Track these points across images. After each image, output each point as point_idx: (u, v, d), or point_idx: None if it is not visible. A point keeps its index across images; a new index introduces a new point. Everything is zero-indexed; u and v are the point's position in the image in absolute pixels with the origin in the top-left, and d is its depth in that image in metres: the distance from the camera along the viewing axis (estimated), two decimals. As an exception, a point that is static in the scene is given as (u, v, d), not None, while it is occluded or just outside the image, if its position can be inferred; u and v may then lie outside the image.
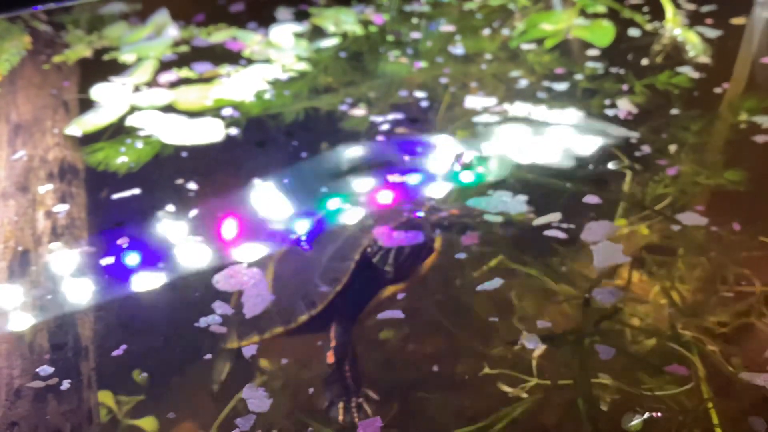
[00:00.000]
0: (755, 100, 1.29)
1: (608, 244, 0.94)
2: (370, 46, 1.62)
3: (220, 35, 1.68)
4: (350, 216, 1.04)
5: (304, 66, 1.52)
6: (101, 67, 1.54)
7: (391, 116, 1.31)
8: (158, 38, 1.69)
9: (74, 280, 0.94)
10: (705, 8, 1.71)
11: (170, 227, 1.04)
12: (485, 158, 1.16)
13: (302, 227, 1.03)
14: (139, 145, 1.24)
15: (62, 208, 1.08)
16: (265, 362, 0.82)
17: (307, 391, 0.78)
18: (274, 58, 1.57)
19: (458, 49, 1.57)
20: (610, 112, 1.28)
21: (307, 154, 1.22)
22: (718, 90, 1.35)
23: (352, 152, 1.18)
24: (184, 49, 1.62)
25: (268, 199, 1.10)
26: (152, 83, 1.46)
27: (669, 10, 1.68)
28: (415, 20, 1.76)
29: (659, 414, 0.71)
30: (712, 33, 1.58)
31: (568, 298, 0.87)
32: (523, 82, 1.41)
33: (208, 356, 0.82)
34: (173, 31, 1.71)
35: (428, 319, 0.86)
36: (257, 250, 0.98)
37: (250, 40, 1.65)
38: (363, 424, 0.73)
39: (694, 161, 1.12)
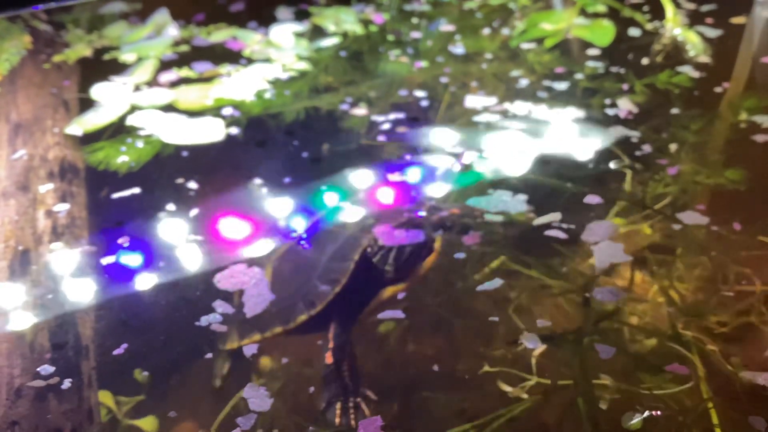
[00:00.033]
0: (755, 99, 1.29)
1: (609, 244, 0.94)
2: (370, 46, 1.62)
3: (220, 35, 1.68)
4: (350, 215, 1.04)
5: (304, 65, 1.52)
6: (101, 66, 1.54)
7: (392, 116, 1.31)
8: (158, 38, 1.69)
9: (75, 280, 0.94)
10: (705, 7, 1.71)
11: (171, 226, 1.04)
12: (485, 158, 1.16)
13: (302, 226, 1.03)
14: (140, 144, 1.24)
15: (63, 208, 1.08)
16: (266, 361, 0.82)
17: (308, 390, 0.78)
18: (275, 57, 1.57)
19: (458, 49, 1.57)
20: (610, 111, 1.28)
21: (307, 153, 1.22)
22: (718, 89, 1.35)
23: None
24: (184, 48, 1.62)
25: (269, 198, 1.10)
26: (152, 83, 1.46)
27: (669, 9, 1.68)
28: (415, 20, 1.76)
29: (659, 413, 0.71)
30: (712, 32, 1.58)
31: (568, 298, 0.87)
32: (524, 82, 1.41)
33: (209, 355, 0.82)
34: (173, 31, 1.71)
35: (428, 319, 0.86)
36: (258, 249, 0.99)
37: (250, 40, 1.65)
38: (363, 423, 0.73)
39: (695, 160, 1.12)
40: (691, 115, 1.26)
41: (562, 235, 0.97)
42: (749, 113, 1.24)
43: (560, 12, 1.75)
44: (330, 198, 1.09)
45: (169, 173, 1.17)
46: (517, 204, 1.04)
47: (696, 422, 0.71)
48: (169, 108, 1.36)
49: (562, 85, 1.38)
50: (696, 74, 1.40)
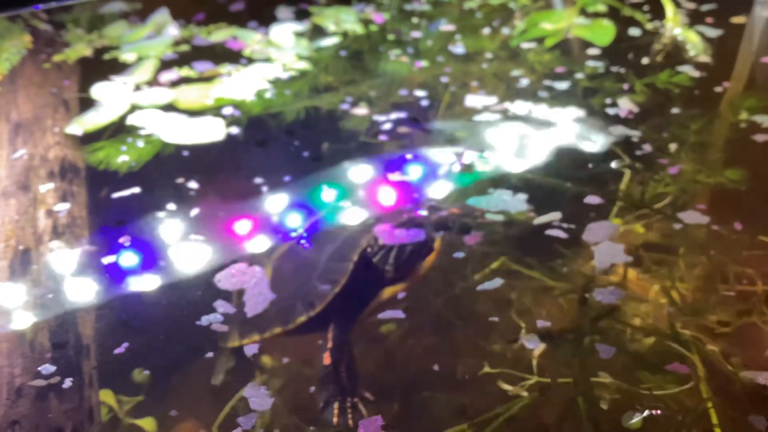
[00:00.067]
0: (755, 99, 1.29)
1: (609, 244, 0.94)
2: (370, 45, 1.62)
3: (220, 34, 1.68)
4: (350, 215, 1.04)
5: (304, 65, 1.52)
6: (102, 66, 1.54)
7: (392, 115, 1.31)
8: (158, 37, 1.69)
9: (75, 279, 0.94)
10: (705, 7, 1.71)
11: (171, 226, 1.04)
12: (486, 157, 1.17)
13: (302, 225, 1.03)
14: (140, 144, 1.24)
15: (63, 207, 1.08)
16: (267, 360, 0.82)
17: (309, 390, 0.78)
18: (275, 57, 1.57)
19: (459, 48, 1.57)
20: (611, 111, 1.28)
21: (308, 153, 1.22)
22: (718, 89, 1.35)
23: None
24: (184, 48, 1.62)
25: (269, 197, 1.10)
26: (153, 82, 1.46)
27: (669, 9, 1.68)
28: (415, 19, 1.76)
29: (659, 412, 0.71)
30: (713, 32, 1.58)
31: (569, 298, 0.87)
32: (524, 81, 1.41)
33: (210, 354, 0.82)
34: (173, 30, 1.71)
35: (429, 319, 0.87)
36: (258, 248, 0.99)
37: (250, 39, 1.65)
38: (363, 423, 0.73)
39: (695, 160, 1.12)
40: (691, 114, 1.26)
41: (562, 234, 0.97)
42: (749, 113, 1.24)
43: (560, 11, 1.75)
44: (330, 197, 1.09)
45: (169, 173, 1.17)
46: (517, 203, 1.04)
47: (696, 422, 0.71)
48: (170, 107, 1.36)
49: (562, 85, 1.38)
50: (696, 74, 1.40)
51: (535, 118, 1.27)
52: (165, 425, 0.74)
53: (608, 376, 0.76)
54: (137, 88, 1.44)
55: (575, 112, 1.29)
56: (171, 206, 1.08)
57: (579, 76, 1.42)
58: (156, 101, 1.38)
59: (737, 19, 1.63)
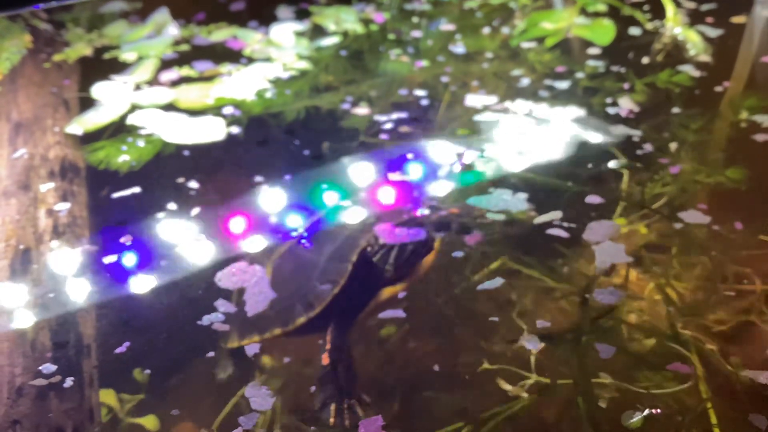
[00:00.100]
0: (756, 98, 1.29)
1: (610, 244, 0.94)
2: (370, 45, 1.62)
3: (220, 34, 1.68)
4: (351, 214, 1.05)
5: (304, 65, 1.52)
6: (102, 65, 1.54)
7: (392, 115, 1.31)
8: (159, 37, 1.69)
9: (76, 279, 0.94)
10: (705, 7, 1.71)
11: (172, 226, 1.04)
12: (486, 157, 1.17)
13: (303, 225, 1.03)
14: (141, 143, 1.24)
15: (63, 207, 1.08)
16: (268, 360, 0.82)
17: (309, 390, 0.78)
18: (275, 56, 1.57)
19: (459, 48, 1.57)
20: (611, 110, 1.28)
21: (308, 152, 1.22)
22: (718, 88, 1.35)
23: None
24: (184, 47, 1.62)
25: (270, 196, 1.10)
26: (153, 82, 1.46)
27: (669, 8, 1.68)
28: (415, 19, 1.76)
29: (659, 411, 0.71)
30: (713, 32, 1.58)
31: (569, 299, 0.87)
32: (524, 81, 1.41)
33: (211, 354, 0.82)
34: (173, 30, 1.71)
35: (429, 319, 0.87)
36: (258, 247, 0.99)
37: (250, 39, 1.65)
38: (364, 423, 0.73)
39: (695, 159, 1.12)
40: (691, 114, 1.26)
41: (563, 234, 0.97)
42: (750, 112, 1.24)
43: (561, 11, 1.75)
44: (331, 197, 1.09)
45: (170, 172, 1.17)
46: (517, 203, 1.04)
47: (695, 421, 0.71)
48: (170, 107, 1.36)
49: (562, 84, 1.38)
50: (696, 73, 1.40)
51: (536, 118, 1.27)
52: (166, 424, 0.74)
53: (608, 376, 0.76)
54: (137, 87, 1.44)
55: (576, 111, 1.29)
56: (171, 206, 1.08)
57: (579, 75, 1.42)
58: (156, 101, 1.38)
59: (737, 19, 1.63)
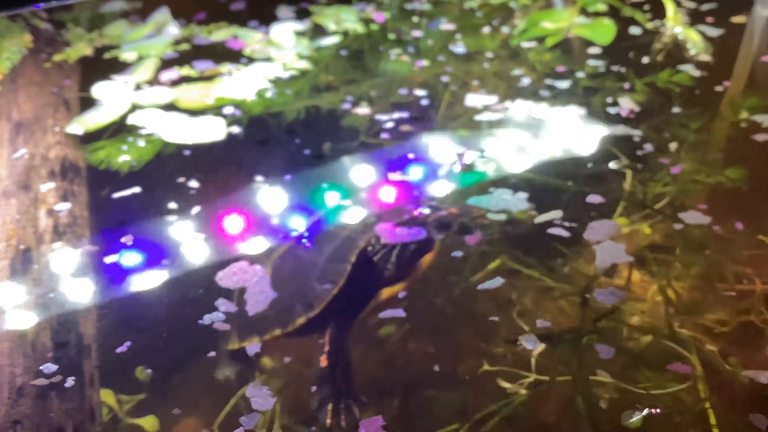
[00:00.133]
0: (756, 98, 1.29)
1: (611, 244, 0.94)
2: (371, 45, 1.63)
3: (220, 33, 1.68)
4: (351, 214, 1.05)
5: (305, 64, 1.52)
6: (102, 65, 1.54)
7: (392, 114, 1.31)
8: (159, 36, 1.69)
9: (76, 279, 0.94)
10: (705, 6, 1.71)
11: (172, 225, 1.04)
12: (486, 157, 1.17)
13: (304, 225, 1.03)
14: (141, 143, 1.24)
15: (64, 207, 1.08)
16: (268, 360, 0.82)
17: (309, 390, 0.78)
18: (275, 56, 1.57)
19: (459, 48, 1.57)
20: (611, 110, 1.28)
21: (309, 152, 1.22)
22: (718, 88, 1.35)
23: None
24: (185, 47, 1.62)
25: (270, 196, 1.10)
26: (153, 81, 1.46)
27: (670, 8, 1.68)
28: (415, 18, 1.76)
29: (658, 410, 0.71)
30: (713, 31, 1.58)
31: (569, 299, 0.87)
32: (525, 81, 1.41)
33: (212, 354, 0.82)
34: (174, 30, 1.71)
35: (429, 318, 0.87)
36: (259, 247, 0.99)
37: (250, 39, 1.65)
38: (364, 423, 0.73)
39: (695, 159, 1.12)
40: (691, 113, 1.26)
41: (564, 233, 0.97)
42: (750, 112, 1.24)
43: (561, 11, 1.75)
44: (331, 197, 1.09)
45: (170, 172, 1.17)
46: (517, 202, 1.04)
47: (694, 421, 0.71)
48: (170, 107, 1.36)
49: (563, 84, 1.38)
50: (697, 73, 1.40)
51: (536, 118, 1.27)
52: (167, 424, 0.75)
53: (607, 375, 0.76)
54: (138, 87, 1.44)
55: (576, 111, 1.29)
56: (172, 205, 1.08)
57: (580, 75, 1.42)
58: (157, 101, 1.38)
59: (737, 19, 1.63)
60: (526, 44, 1.57)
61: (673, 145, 1.16)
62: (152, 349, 0.84)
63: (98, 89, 1.44)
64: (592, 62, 1.47)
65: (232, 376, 0.80)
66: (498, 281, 0.90)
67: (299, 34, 1.68)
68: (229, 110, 1.34)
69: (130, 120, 1.32)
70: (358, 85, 1.44)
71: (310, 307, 0.86)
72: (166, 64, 1.53)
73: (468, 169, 1.14)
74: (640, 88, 1.35)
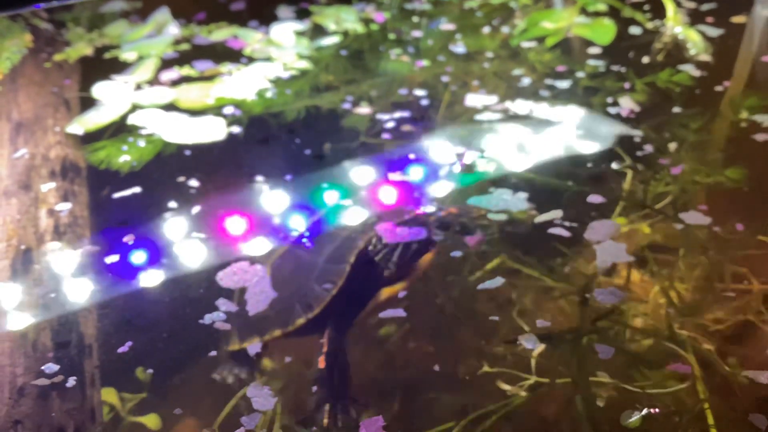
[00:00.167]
0: (756, 98, 1.29)
1: (611, 244, 0.94)
2: (371, 45, 1.63)
3: (220, 33, 1.68)
4: (350, 214, 1.05)
5: (305, 64, 1.52)
6: (102, 65, 1.54)
7: (392, 114, 1.31)
8: (159, 36, 1.69)
9: (77, 279, 0.94)
10: (705, 6, 1.71)
11: (173, 225, 1.04)
12: (486, 157, 1.17)
13: (304, 225, 1.03)
14: (141, 143, 1.24)
15: (64, 207, 1.08)
16: (269, 361, 0.82)
17: (309, 391, 0.78)
18: (275, 56, 1.57)
19: (459, 48, 1.57)
20: (612, 110, 1.28)
21: (309, 151, 1.22)
22: (719, 88, 1.35)
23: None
24: (185, 47, 1.62)
25: (271, 196, 1.10)
26: (154, 81, 1.46)
27: (670, 8, 1.68)
28: (415, 18, 1.76)
29: (657, 410, 0.71)
30: (713, 31, 1.58)
31: (569, 299, 0.87)
32: (525, 80, 1.41)
33: (213, 353, 0.82)
34: (174, 29, 1.71)
35: (429, 318, 0.87)
36: (259, 246, 0.99)
37: (251, 39, 1.65)
38: (365, 423, 0.73)
39: (695, 159, 1.12)
40: (691, 113, 1.26)
41: (564, 233, 0.97)
42: (750, 112, 1.24)
43: (561, 11, 1.75)
44: (331, 197, 1.09)
45: (170, 172, 1.17)
46: (518, 202, 1.04)
47: (693, 421, 0.71)
48: (171, 107, 1.36)
49: (563, 84, 1.39)
50: (697, 73, 1.40)
51: (536, 117, 1.28)
52: (168, 423, 0.75)
53: (607, 376, 0.76)
54: (138, 87, 1.44)
55: (576, 111, 1.29)
56: (172, 205, 1.08)
57: (580, 75, 1.42)
58: (157, 101, 1.38)
59: (737, 19, 1.63)
60: (526, 44, 1.57)
61: (673, 145, 1.16)
62: (153, 349, 0.84)
63: (98, 89, 1.44)
64: (592, 62, 1.47)
65: (233, 377, 0.80)
66: (498, 281, 0.90)
67: (299, 34, 1.68)
68: (229, 110, 1.34)
69: (131, 120, 1.32)
70: (359, 84, 1.44)
71: (310, 308, 0.86)
72: (166, 64, 1.54)
73: (468, 169, 1.14)
74: (640, 88, 1.36)
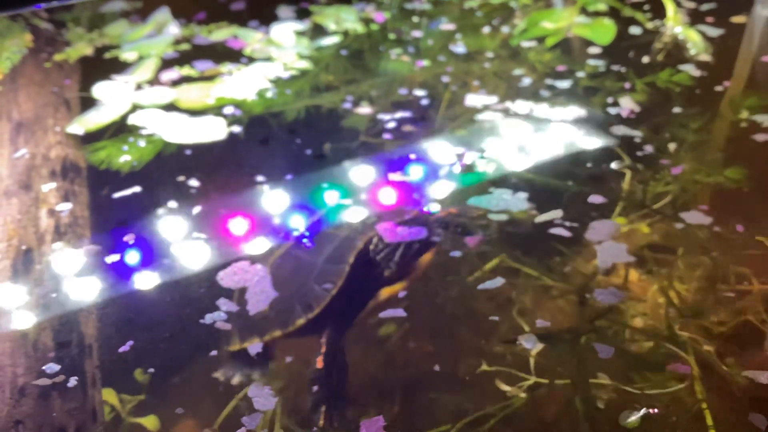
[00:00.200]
0: (756, 98, 1.29)
1: (612, 244, 0.94)
2: (371, 45, 1.63)
3: (221, 33, 1.68)
4: (350, 214, 1.05)
5: (305, 64, 1.53)
6: (103, 65, 1.54)
7: (392, 114, 1.31)
8: (159, 36, 1.69)
9: (78, 278, 0.94)
10: (705, 6, 1.71)
11: (173, 225, 1.04)
12: (486, 157, 1.17)
13: (304, 225, 1.03)
14: (142, 143, 1.24)
15: (65, 207, 1.08)
16: (270, 360, 0.82)
17: (309, 391, 0.78)
18: (276, 56, 1.57)
19: (459, 48, 1.58)
20: (612, 110, 1.28)
21: (310, 151, 1.22)
22: (719, 88, 1.35)
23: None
24: (185, 47, 1.62)
25: (271, 196, 1.10)
26: (154, 81, 1.47)
27: (670, 8, 1.68)
28: (415, 18, 1.76)
29: (656, 411, 0.71)
30: (713, 31, 1.58)
31: (569, 298, 0.87)
32: (525, 80, 1.41)
33: (214, 353, 0.83)
34: (174, 29, 1.71)
35: (429, 318, 0.87)
36: (259, 246, 0.99)
37: (251, 39, 1.65)
38: (365, 423, 0.73)
39: (695, 159, 1.13)
40: (691, 113, 1.26)
41: (565, 233, 0.97)
42: (750, 112, 1.24)
43: (561, 11, 1.75)
44: (331, 196, 1.09)
45: (171, 172, 1.17)
46: (518, 202, 1.04)
47: (691, 422, 0.71)
48: (171, 107, 1.36)
49: (563, 84, 1.39)
50: (697, 73, 1.40)
51: (536, 117, 1.28)
52: (168, 423, 0.75)
53: (606, 376, 0.76)
54: (138, 87, 1.45)
55: (576, 111, 1.29)
56: (173, 205, 1.08)
57: (580, 75, 1.42)
58: (157, 101, 1.38)
59: (737, 19, 1.63)
60: (526, 44, 1.57)
61: (673, 145, 1.16)
62: (154, 349, 0.84)
63: (99, 89, 1.44)
64: (592, 62, 1.47)
65: (234, 377, 0.80)
66: (498, 281, 0.90)
67: (299, 33, 1.68)
68: (229, 110, 1.34)
69: (131, 120, 1.32)
70: (359, 84, 1.44)
71: (309, 308, 0.86)
72: (166, 63, 1.54)
73: (468, 169, 1.14)
74: (641, 88, 1.36)
